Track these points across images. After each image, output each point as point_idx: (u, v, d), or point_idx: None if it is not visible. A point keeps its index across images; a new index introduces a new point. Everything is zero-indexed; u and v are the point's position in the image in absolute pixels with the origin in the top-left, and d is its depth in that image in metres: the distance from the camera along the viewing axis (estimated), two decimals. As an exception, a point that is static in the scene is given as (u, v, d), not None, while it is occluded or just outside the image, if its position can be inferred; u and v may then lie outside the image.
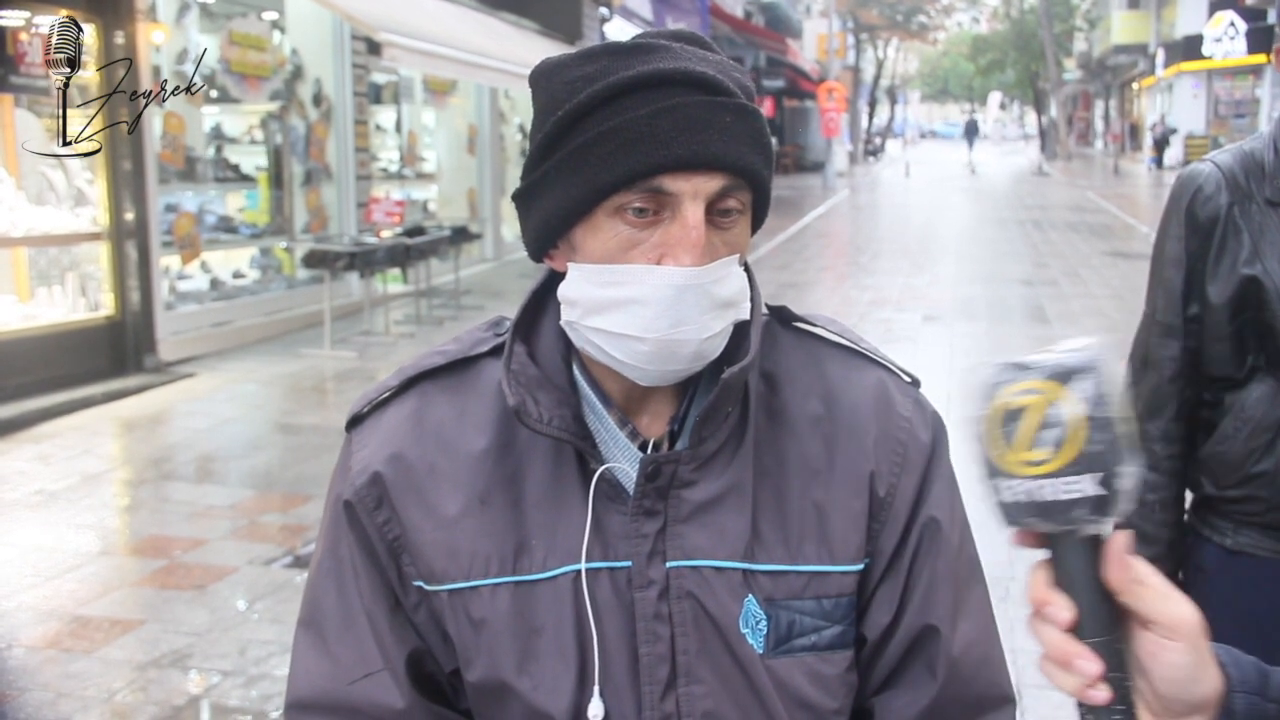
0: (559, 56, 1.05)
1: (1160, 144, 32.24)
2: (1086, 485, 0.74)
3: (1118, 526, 0.78)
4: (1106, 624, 0.77)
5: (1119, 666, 0.77)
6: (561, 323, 1.06)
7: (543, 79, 1.04)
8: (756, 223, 1.06)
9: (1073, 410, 0.74)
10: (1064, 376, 0.75)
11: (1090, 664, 0.76)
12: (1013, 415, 0.76)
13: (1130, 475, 0.75)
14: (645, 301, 0.98)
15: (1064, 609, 0.77)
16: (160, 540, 5.08)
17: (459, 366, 1.14)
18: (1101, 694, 0.76)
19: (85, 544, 5.02)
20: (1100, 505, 0.75)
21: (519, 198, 1.06)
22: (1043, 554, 0.79)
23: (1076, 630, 0.77)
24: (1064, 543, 0.77)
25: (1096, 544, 0.77)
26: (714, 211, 0.99)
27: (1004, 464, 0.76)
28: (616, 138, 0.96)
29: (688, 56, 1.01)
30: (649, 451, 1.07)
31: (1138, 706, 0.78)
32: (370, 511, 1.10)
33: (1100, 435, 0.74)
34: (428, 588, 1.09)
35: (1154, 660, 0.77)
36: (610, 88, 0.98)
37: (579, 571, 1.05)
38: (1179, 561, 1.97)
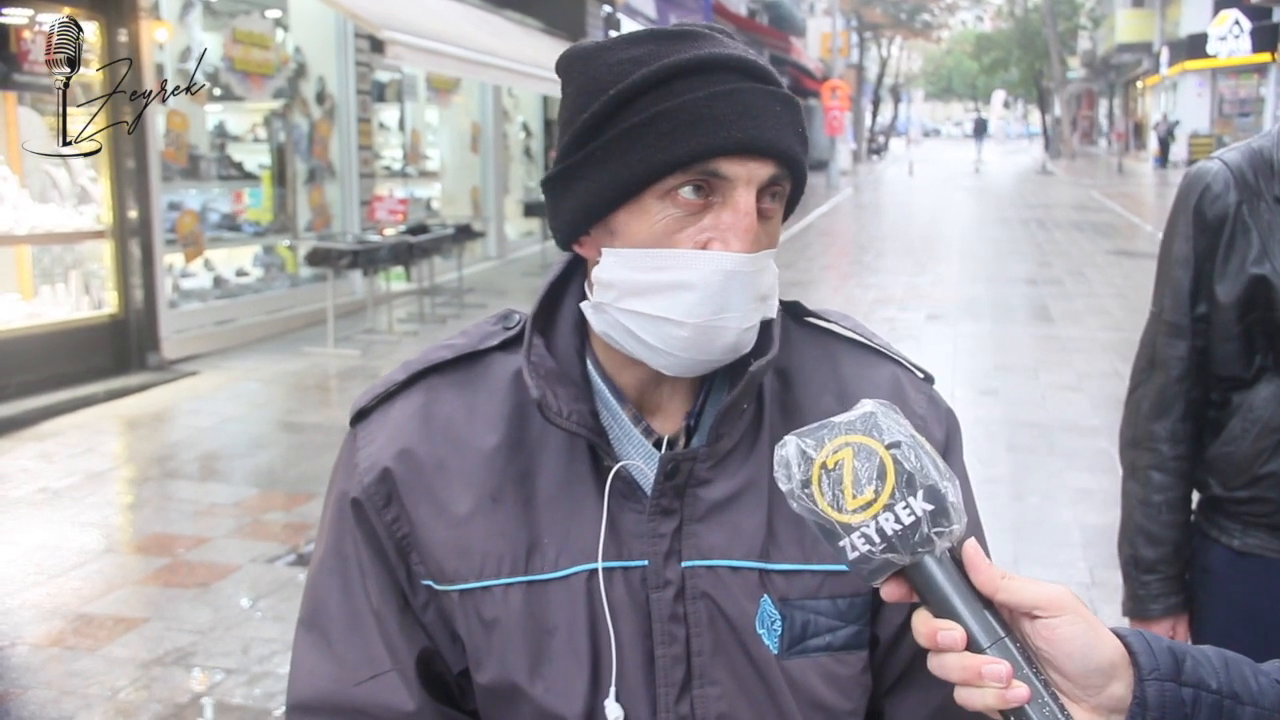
0: (594, 41, 1.03)
1: (1164, 142, 32.17)
2: (917, 505, 0.81)
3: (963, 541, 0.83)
4: (995, 628, 0.81)
5: (1026, 664, 0.81)
6: (586, 304, 1.04)
7: (580, 62, 1.02)
8: (784, 217, 1.06)
9: (877, 445, 0.82)
10: (859, 426, 0.84)
11: (998, 665, 0.79)
12: (830, 471, 0.83)
13: (953, 487, 0.82)
14: (692, 286, 0.96)
15: (954, 629, 0.81)
16: (163, 538, 5.08)
17: (467, 361, 1.12)
18: (1020, 690, 0.79)
19: (88, 542, 5.02)
20: (937, 518, 0.81)
21: (553, 181, 1.03)
22: (916, 602, 0.84)
23: (972, 647, 0.81)
24: (926, 571, 0.82)
25: (955, 560, 0.83)
26: (759, 201, 0.98)
27: (842, 518, 0.82)
28: (673, 119, 0.95)
29: (734, 45, 1.00)
30: (663, 449, 1.05)
31: (1061, 699, 0.81)
32: (379, 509, 1.08)
33: (907, 455, 0.82)
34: (437, 587, 1.07)
35: (1051, 642, 0.80)
36: (666, 69, 0.96)
37: (592, 571, 1.03)
38: (1186, 563, 1.95)
